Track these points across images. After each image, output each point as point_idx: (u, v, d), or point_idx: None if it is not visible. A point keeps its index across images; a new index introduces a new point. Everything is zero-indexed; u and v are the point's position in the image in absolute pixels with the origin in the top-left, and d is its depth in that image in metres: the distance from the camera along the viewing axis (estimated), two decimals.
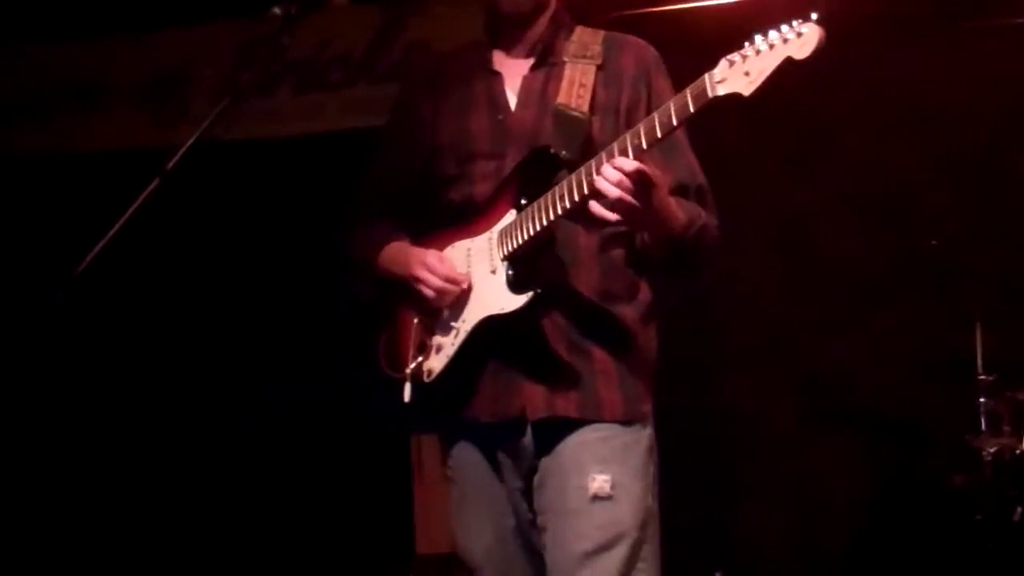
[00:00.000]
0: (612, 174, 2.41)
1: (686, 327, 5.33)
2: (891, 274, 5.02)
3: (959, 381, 4.69)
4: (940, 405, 4.95)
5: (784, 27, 2.23)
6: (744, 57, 2.26)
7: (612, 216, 2.48)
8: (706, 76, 2.32)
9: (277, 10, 2.70)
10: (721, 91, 2.29)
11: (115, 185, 2.84)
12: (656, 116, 2.40)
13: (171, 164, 2.59)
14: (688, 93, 2.35)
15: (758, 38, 2.26)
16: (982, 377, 4.60)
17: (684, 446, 5.25)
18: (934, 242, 4.68)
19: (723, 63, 2.30)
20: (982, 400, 4.59)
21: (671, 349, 5.18)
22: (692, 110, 2.34)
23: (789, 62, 2.21)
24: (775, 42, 2.23)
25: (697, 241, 2.69)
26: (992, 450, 4.52)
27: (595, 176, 2.45)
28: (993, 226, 4.88)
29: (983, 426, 4.58)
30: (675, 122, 2.38)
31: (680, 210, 2.65)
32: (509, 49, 2.86)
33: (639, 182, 2.41)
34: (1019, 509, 4.55)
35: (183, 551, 5.52)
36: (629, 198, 2.43)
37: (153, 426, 5.69)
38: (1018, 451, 4.53)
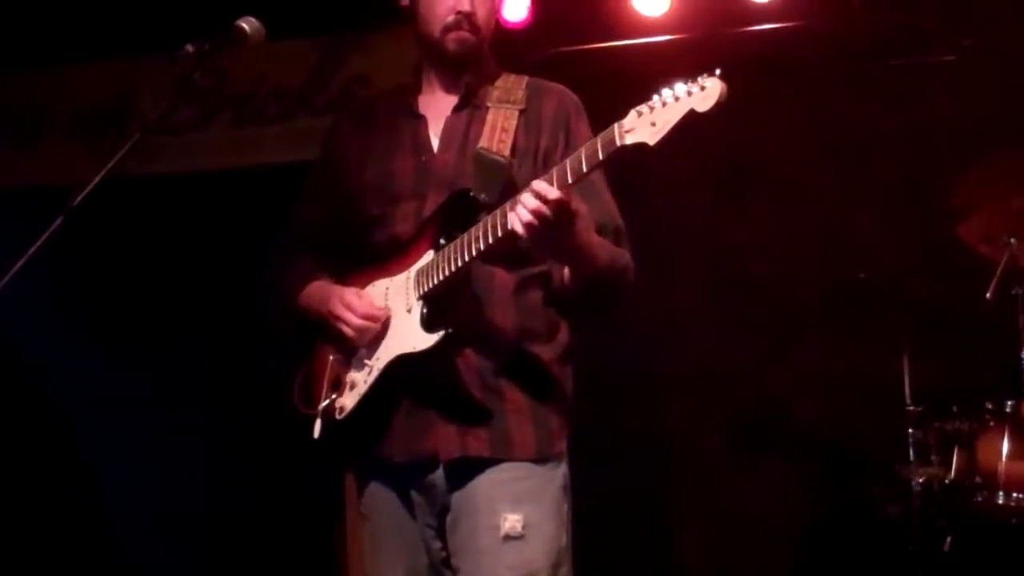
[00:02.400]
0: (531, 202, 2.45)
1: (623, 357, 5.41)
2: (822, 305, 5.08)
3: (889, 411, 4.76)
4: (872, 435, 5.02)
5: (689, 81, 2.30)
6: (651, 108, 2.33)
7: (536, 242, 2.50)
8: (615, 126, 2.39)
9: (190, 47, 2.71)
10: (629, 140, 2.36)
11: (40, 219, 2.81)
12: (568, 162, 2.46)
13: (76, 201, 2.56)
14: (598, 141, 2.42)
15: (665, 90, 2.33)
16: (910, 407, 4.66)
17: (619, 475, 5.34)
18: (863, 275, 4.74)
19: (632, 113, 2.37)
20: (910, 430, 4.64)
21: (608, 378, 5.29)
22: (601, 157, 2.41)
23: (692, 114, 2.28)
24: (680, 94, 2.30)
25: (617, 280, 2.74)
26: (921, 480, 4.58)
27: (515, 208, 2.48)
28: (921, 258, 4.96)
29: (912, 456, 4.63)
30: (585, 168, 2.43)
31: (602, 249, 2.70)
32: (436, 92, 2.93)
33: (558, 210, 2.45)
34: (949, 539, 4.61)
35: None
36: (546, 226, 2.46)
37: (71, 463, 5.61)
38: (947, 481, 4.59)
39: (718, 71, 2.26)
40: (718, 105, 2.25)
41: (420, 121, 2.91)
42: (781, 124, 5.52)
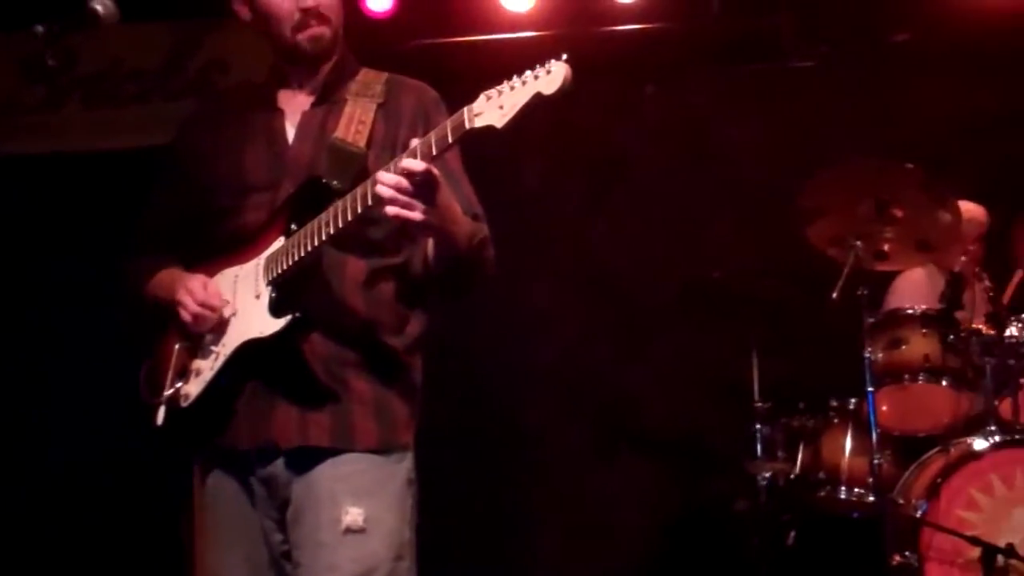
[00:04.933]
0: (391, 178, 2.45)
1: (483, 352, 5.44)
2: (678, 303, 5.17)
3: (740, 408, 4.86)
4: (723, 431, 5.13)
5: (537, 65, 2.33)
6: (500, 92, 2.36)
7: (405, 214, 2.48)
8: (465, 109, 2.40)
9: (40, 28, 2.64)
10: (478, 123, 2.38)
11: None
12: (419, 145, 2.47)
13: None
14: (448, 125, 2.43)
15: (515, 76, 2.36)
16: (758, 404, 4.77)
17: (475, 469, 5.36)
18: (716, 274, 4.83)
19: (481, 97, 2.39)
20: (758, 426, 4.75)
21: (468, 373, 5.30)
22: (451, 140, 2.42)
23: (539, 97, 2.31)
24: (527, 79, 2.34)
25: (478, 254, 2.74)
26: (767, 475, 4.69)
27: (377, 182, 2.47)
28: (773, 259, 5.08)
29: (759, 452, 4.74)
30: (435, 151, 2.44)
31: (465, 221, 2.70)
32: (295, 88, 2.90)
33: (424, 182, 2.46)
34: (792, 533, 4.74)
35: None
36: (410, 194, 2.45)
37: None
38: (792, 476, 4.71)
39: (564, 56, 2.30)
40: (563, 88, 2.28)
41: (277, 114, 2.88)
42: (642, 124, 5.61)
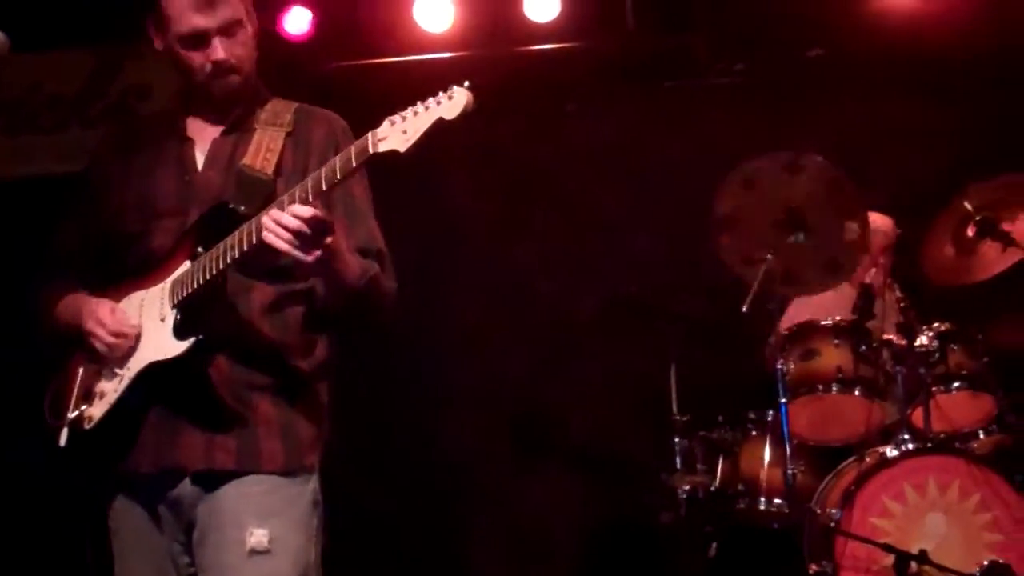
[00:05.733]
0: (288, 220, 2.49)
1: (404, 368, 5.45)
2: (599, 317, 5.22)
3: (660, 420, 4.90)
4: (643, 444, 5.18)
5: (440, 92, 2.39)
6: (404, 117, 2.42)
7: (295, 253, 2.53)
8: (369, 134, 2.46)
9: None
10: (382, 147, 2.43)
11: None
12: (323, 170, 2.52)
13: None
14: (352, 150, 2.48)
15: (419, 101, 2.41)
16: (676, 417, 4.81)
17: (402, 484, 5.37)
18: (633, 288, 4.88)
19: (386, 123, 2.44)
20: (677, 439, 4.79)
21: (389, 394, 5.30)
22: (355, 164, 2.47)
23: (440, 122, 2.37)
24: (430, 104, 2.40)
25: (369, 293, 2.76)
26: (687, 488, 4.73)
27: (264, 218, 2.52)
28: (690, 274, 5.14)
29: (678, 465, 4.78)
30: (339, 175, 2.49)
31: (354, 263, 2.73)
32: (205, 117, 2.91)
33: (315, 225, 2.51)
34: (714, 545, 4.78)
35: None
36: (302, 242, 2.50)
37: None
38: (712, 488, 4.76)
39: (466, 83, 2.37)
40: (464, 113, 2.35)
41: (187, 143, 2.90)
42: (562, 142, 5.66)
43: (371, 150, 2.43)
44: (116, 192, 2.89)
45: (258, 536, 2.62)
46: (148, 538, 2.74)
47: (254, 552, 2.62)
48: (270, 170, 2.79)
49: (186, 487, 2.69)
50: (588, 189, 5.59)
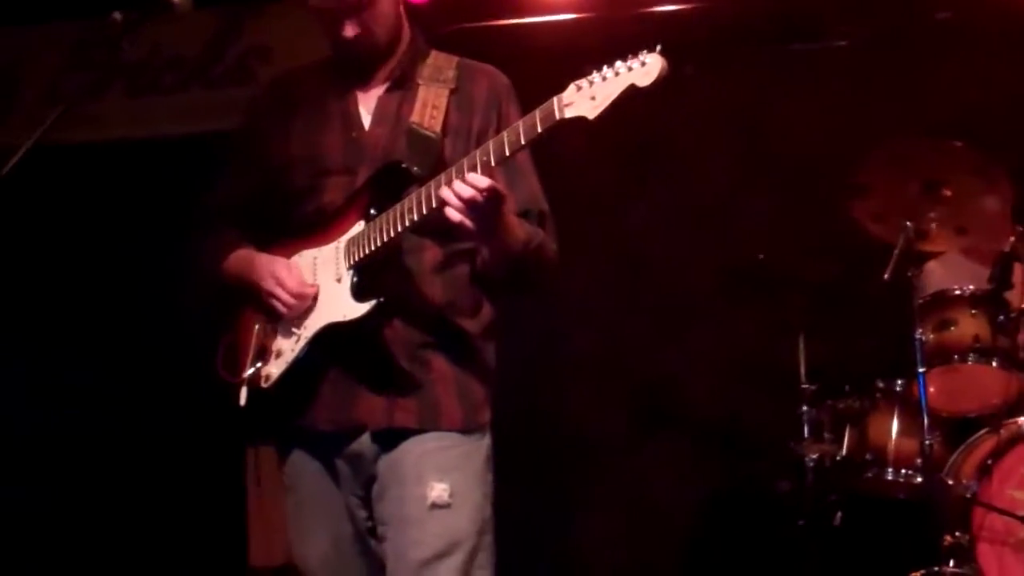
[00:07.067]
0: (464, 189, 2.47)
1: (526, 337, 5.42)
2: (720, 285, 5.15)
3: (784, 390, 4.85)
4: (766, 413, 5.12)
5: (630, 56, 2.34)
6: (591, 83, 2.37)
7: (466, 223, 2.51)
8: (554, 99, 2.40)
9: (118, 15, 2.66)
10: (568, 114, 2.38)
11: None
12: (505, 135, 2.48)
13: (4, 171, 2.51)
14: (537, 115, 2.43)
15: (605, 66, 2.36)
16: (805, 386, 4.75)
17: (521, 454, 5.35)
18: (761, 255, 4.82)
19: (571, 87, 2.39)
20: (804, 408, 4.74)
21: (512, 358, 5.29)
22: (540, 130, 2.43)
23: (633, 89, 2.32)
24: (621, 70, 2.35)
25: (534, 259, 2.76)
26: (814, 456, 4.67)
27: (443, 188, 2.50)
28: (816, 240, 5.06)
29: (806, 433, 4.73)
30: (523, 141, 2.45)
31: (520, 229, 2.71)
32: (360, 73, 2.89)
33: (490, 198, 2.48)
34: (839, 514, 4.73)
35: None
36: (475, 213, 2.49)
37: None
38: (838, 457, 4.70)
39: (659, 47, 2.31)
40: (659, 81, 2.30)
41: (351, 97, 2.88)
42: (682, 105, 5.58)
43: (557, 116, 2.38)
44: (280, 147, 2.87)
45: (439, 490, 2.65)
46: (325, 492, 2.77)
47: (435, 506, 2.65)
48: (438, 128, 2.77)
49: (366, 443, 2.71)
50: (709, 154, 5.51)
